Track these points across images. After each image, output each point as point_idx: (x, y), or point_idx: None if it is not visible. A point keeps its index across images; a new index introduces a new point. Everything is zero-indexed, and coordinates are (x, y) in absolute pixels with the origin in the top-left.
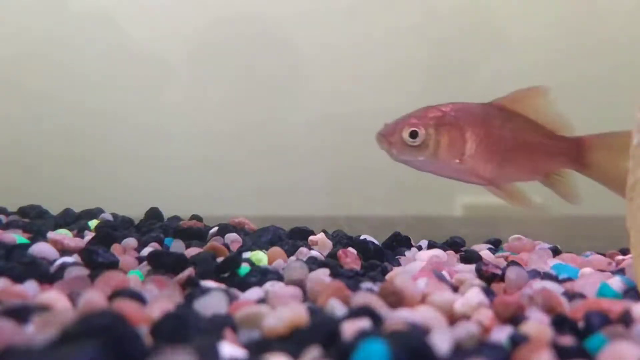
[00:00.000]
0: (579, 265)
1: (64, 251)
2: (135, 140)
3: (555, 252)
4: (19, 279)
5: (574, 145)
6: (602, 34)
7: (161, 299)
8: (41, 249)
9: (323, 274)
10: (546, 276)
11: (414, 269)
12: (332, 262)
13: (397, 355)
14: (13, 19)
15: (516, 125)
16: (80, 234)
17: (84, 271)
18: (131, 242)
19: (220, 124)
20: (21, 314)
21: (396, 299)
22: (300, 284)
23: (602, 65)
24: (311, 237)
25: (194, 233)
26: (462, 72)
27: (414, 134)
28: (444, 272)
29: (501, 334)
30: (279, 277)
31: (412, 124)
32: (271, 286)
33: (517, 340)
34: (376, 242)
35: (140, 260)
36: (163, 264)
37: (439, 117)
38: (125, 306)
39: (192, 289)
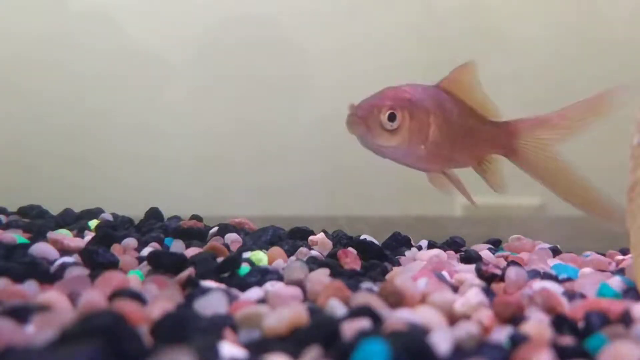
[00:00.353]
0: (579, 265)
1: (64, 251)
2: (135, 140)
3: (555, 252)
4: (19, 279)
5: (503, 130)
6: (602, 34)
7: (161, 299)
8: (41, 249)
9: (323, 274)
10: (546, 276)
11: (414, 269)
12: (332, 262)
13: (397, 355)
14: (13, 18)
15: (460, 109)
16: (80, 234)
17: (84, 271)
18: (131, 242)
19: (220, 124)
20: (21, 314)
21: (396, 299)
22: (300, 284)
23: (602, 65)
24: (311, 237)
25: (194, 233)
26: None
27: (392, 117)
28: (444, 272)
29: (501, 334)
30: (279, 277)
31: (389, 105)
32: (271, 286)
33: (517, 340)
34: (376, 242)
35: (140, 260)
36: (163, 264)
37: (409, 99)
38: (125, 306)
39: (192, 289)
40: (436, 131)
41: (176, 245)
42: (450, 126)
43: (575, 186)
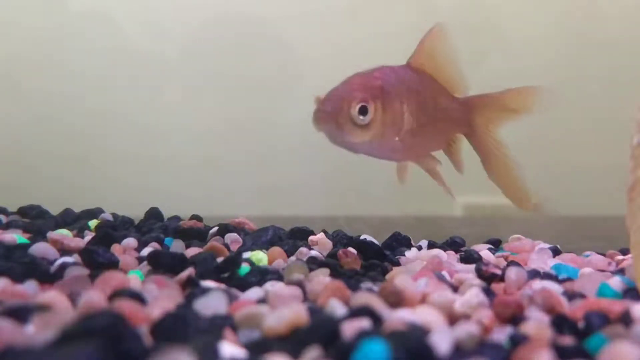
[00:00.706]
0: (579, 265)
1: (64, 251)
2: (135, 140)
3: (555, 252)
4: (19, 279)
5: (467, 107)
6: (602, 34)
7: (161, 299)
8: (41, 249)
9: (323, 274)
10: (546, 276)
11: (414, 269)
12: (332, 262)
13: (397, 355)
14: (13, 18)
15: (432, 90)
16: (80, 234)
17: (84, 271)
18: (131, 242)
19: (220, 124)
20: (21, 314)
21: (396, 299)
22: (300, 284)
23: (602, 65)
24: (311, 237)
25: (194, 233)
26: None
27: (363, 110)
28: (444, 272)
29: (501, 334)
30: (279, 277)
31: (360, 98)
32: (271, 286)
33: (517, 340)
34: (376, 242)
35: (140, 260)
36: (163, 264)
37: (381, 86)
38: (125, 306)
39: (192, 289)
40: (410, 119)
41: (176, 245)
42: (424, 111)
43: (506, 169)
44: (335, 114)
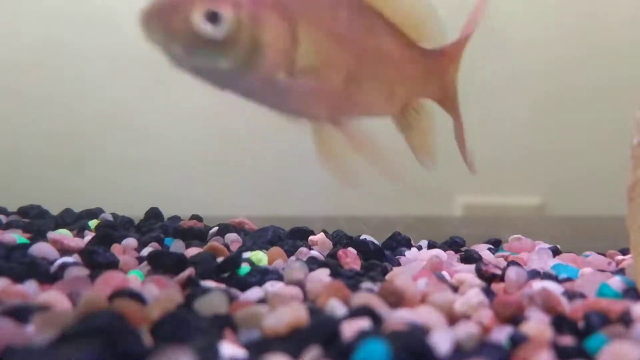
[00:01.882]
0: (579, 265)
1: (64, 251)
2: (135, 140)
3: (555, 252)
4: (19, 279)
5: (437, 62)
6: (602, 35)
7: (161, 299)
8: (41, 249)
9: (323, 274)
10: (546, 276)
11: (414, 269)
12: (332, 262)
13: (397, 355)
14: (11, 21)
15: (369, 23)
16: (80, 234)
17: (84, 271)
18: (131, 242)
19: (220, 124)
20: (21, 314)
21: (396, 299)
22: (300, 284)
23: (602, 66)
24: (311, 237)
25: (194, 233)
26: (461, 72)
27: (213, 17)
28: (444, 272)
29: (501, 334)
30: (279, 277)
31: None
32: (271, 286)
33: (517, 340)
34: (376, 242)
35: (140, 260)
36: (163, 264)
37: None
38: (125, 306)
39: (192, 289)
40: (310, 52)
41: (176, 245)
42: (345, 47)
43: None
44: (168, 17)
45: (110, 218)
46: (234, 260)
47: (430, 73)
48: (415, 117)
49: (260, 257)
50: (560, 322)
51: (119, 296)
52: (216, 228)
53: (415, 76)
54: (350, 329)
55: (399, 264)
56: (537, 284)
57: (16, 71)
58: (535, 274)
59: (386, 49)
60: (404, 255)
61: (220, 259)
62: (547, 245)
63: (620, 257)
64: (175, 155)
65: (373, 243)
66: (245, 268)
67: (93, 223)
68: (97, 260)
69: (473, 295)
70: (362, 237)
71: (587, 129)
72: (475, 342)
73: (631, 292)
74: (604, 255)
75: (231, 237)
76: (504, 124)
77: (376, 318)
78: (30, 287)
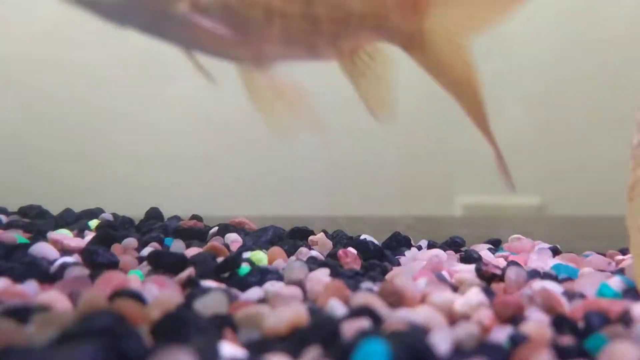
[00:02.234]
0: (579, 265)
1: (64, 251)
2: (135, 140)
3: (555, 252)
4: (19, 279)
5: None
6: (602, 33)
7: (161, 299)
8: (41, 249)
9: (323, 274)
10: (546, 276)
11: (414, 269)
12: (332, 262)
13: (397, 355)
14: (13, 17)
15: None
16: (80, 234)
17: (84, 271)
18: (131, 242)
19: (220, 123)
20: (21, 314)
21: (396, 299)
22: (300, 284)
23: (602, 64)
24: (311, 237)
25: (194, 233)
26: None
27: None
28: (444, 272)
29: (501, 334)
30: (279, 277)
31: None
32: (271, 286)
33: (517, 340)
34: (376, 242)
35: (140, 260)
36: (163, 264)
37: None
38: (125, 306)
39: (192, 289)
40: None
41: (176, 245)
42: None
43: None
44: None
45: (110, 218)
46: (234, 260)
47: (389, 10)
48: (369, 63)
49: (260, 257)
50: (560, 322)
51: (119, 296)
52: (216, 228)
53: (364, 11)
54: (350, 328)
55: (399, 264)
56: (537, 284)
57: (16, 68)
58: (535, 274)
59: None
60: (404, 255)
61: (220, 259)
62: (547, 245)
63: (620, 257)
64: (175, 155)
65: (373, 243)
66: (245, 268)
67: (93, 223)
68: (97, 260)
69: (473, 295)
70: (362, 237)
71: (587, 129)
72: (475, 342)
73: (631, 292)
74: (604, 255)
75: (231, 237)
76: (504, 124)
77: (376, 318)
78: (30, 287)
